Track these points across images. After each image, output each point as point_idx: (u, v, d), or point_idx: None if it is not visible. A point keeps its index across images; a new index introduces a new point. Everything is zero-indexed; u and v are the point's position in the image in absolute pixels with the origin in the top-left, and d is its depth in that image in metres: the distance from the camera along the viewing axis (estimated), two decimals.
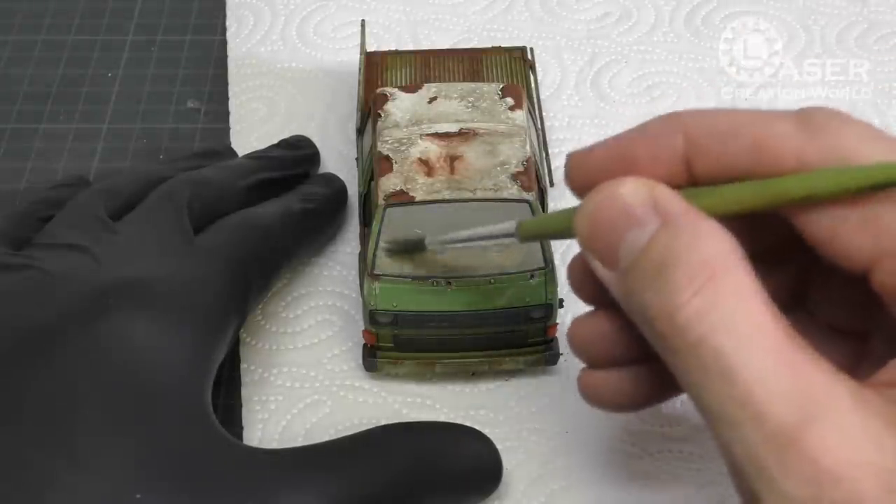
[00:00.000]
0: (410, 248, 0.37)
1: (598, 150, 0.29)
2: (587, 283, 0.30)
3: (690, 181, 0.28)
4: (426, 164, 0.38)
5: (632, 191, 0.27)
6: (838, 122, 0.26)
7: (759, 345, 0.24)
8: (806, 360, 0.24)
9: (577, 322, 0.31)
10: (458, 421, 0.37)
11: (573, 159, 0.30)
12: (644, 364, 0.30)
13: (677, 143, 0.28)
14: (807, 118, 0.26)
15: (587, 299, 0.31)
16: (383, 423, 0.35)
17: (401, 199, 0.37)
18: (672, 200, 0.26)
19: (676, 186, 0.27)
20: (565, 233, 0.29)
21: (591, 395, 0.31)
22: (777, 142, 0.26)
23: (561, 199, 0.46)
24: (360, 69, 0.45)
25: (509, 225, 0.33)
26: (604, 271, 0.27)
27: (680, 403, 0.39)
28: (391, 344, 0.39)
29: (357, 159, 0.44)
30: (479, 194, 0.37)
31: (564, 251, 0.43)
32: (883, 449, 0.23)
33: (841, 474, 0.23)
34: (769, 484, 0.23)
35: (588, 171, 0.29)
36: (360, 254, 0.42)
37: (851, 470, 0.23)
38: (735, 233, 0.25)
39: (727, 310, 0.24)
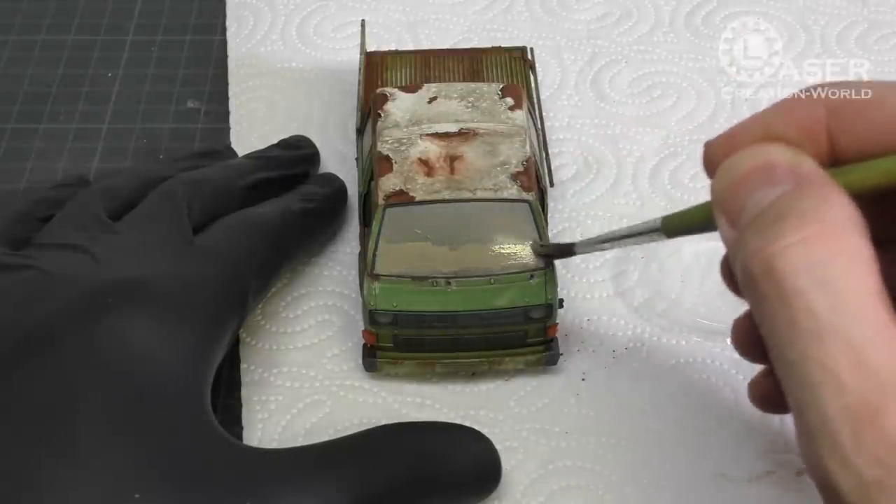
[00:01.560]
0: (560, 253, 0.37)
1: (738, 130, 0.29)
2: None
3: (832, 157, 0.27)
4: (426, 164, 0.38)
5: (776, 151, 0.26)
6: None
7: (856, 312, 0.23)
8: None
9: (736, 321, 0.32)
10: (458, 421, 0.37)
11: (710, 146, 0.29)
12: None
13: (819, 114, 0.27)
14: None
15: (736, 289, 0.31)
16: (383, 423, 0.35)
17: (401, 199, 0.37)
18: (813, 168, 0.26)
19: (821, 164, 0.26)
20: (712, 223, 0.28)
21: (757, 400, 0.32)
22: None
23: (561, 199, 0.46)
24: (360, 69, 0.45)
25: (654, 222, 0.32)
26: (727, 231, 0.27)
27: (679, 404, 0.39)
28: (391, 344, 0.39)
29: (357, 159, 0.44)
30: (479, 194, 0.37)
31: None
32: None
33: None
34: (840, 458, 0.23)
35: (729, 151, 0.28)
36: (360, 254, 0.42)
37: None
38: (873, 213, 0.25)
39: (832, 269, 0.23)
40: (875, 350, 0.23)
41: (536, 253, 0.38)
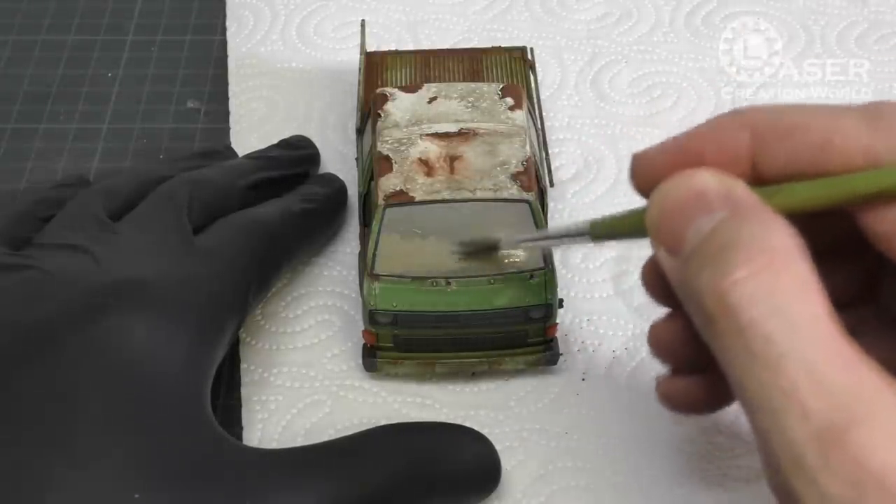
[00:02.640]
0: (485, 250, 0.37)
1: (664, 148, 0.29)
2: (660, 282, 0.30)
3: (756, 179, 0.27)
4: (426, 164, 0.38)
5: (707, 179, 0.27)
6: None
7: (811, 337, 0.24)
8: (857, 359, 0.24)
9: (655, 325, 0.32)
10: (458, 421, 0.37)
11: (638, 158, 0.30)
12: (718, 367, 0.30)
13: (744, 139, 0.27)
14: (875, 113, 0.26)
15: (659, 298, 0.31)
16: (383, 423, 0.35)
17: (401, 199, 0.37)
18: (745, 193, 0.26)
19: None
20: (639, 231, 0.29)
21: (669, 402, 0.32)
22: (845, 138, 0.26)
23: (561, 199, 0.46)
24: (360, 69, 0.45)
25: (583, 224, 0.32)
26: (667, 260, 0.27)
27: None
28: (391, 344, 0.39)
29: (357, 159, 0.44)
30: (479, 194, 0.37)
31: (564, 251, 0.43)
32: None
33: (886, 479, 0.22)
34: (809, 482, 0.23)
35: (654, 169, 0.29)
36: (360, 254, 0.42)
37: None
38: (802, 226, 0.25)
39: (784, 297, 0.24)
40: (834, 372, 0.23)
41: (461, 254, 0.37)
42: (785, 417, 0.23)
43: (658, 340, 0.32)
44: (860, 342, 0.24)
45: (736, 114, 0.28)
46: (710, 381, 0.30)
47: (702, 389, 0.31)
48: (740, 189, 0.26)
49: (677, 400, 0.32)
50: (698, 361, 0.30)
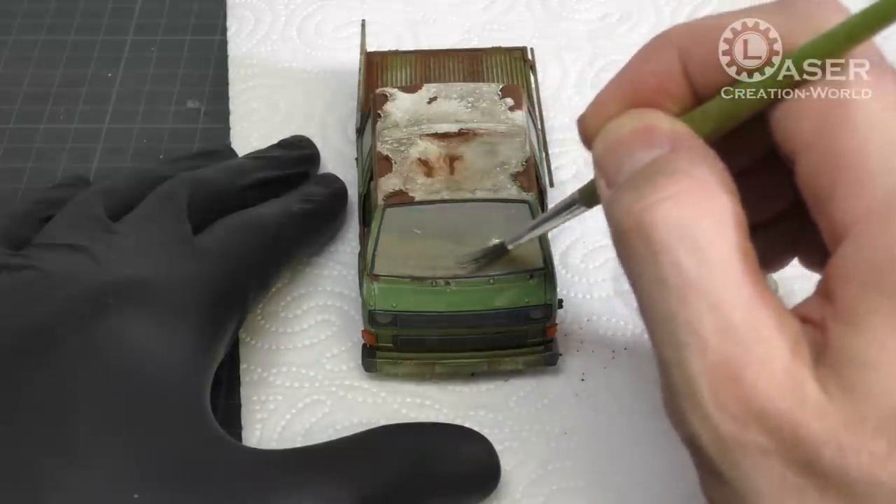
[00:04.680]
0: (495, 255, 0.37)
1: (604, 96, 0.29)
2: None
3: (696, 95, 0.28)
4: (426, 165, 0.38)
5: (656, 116, 0.27)
6: (815, 4, 0.26)
7: (720, 271, 0.24)
8: (760, 298, 0.24)
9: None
10: (458, 421, 0.37)
11: (585, 117, 0.30)
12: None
13: (671, 57, 0.28)
14: (786, 4, 0.27)
15: None
16: (383, 423, 0.36)
17: (400, 199, 0.37)
18: (690, 136, 0.27)
19: (684, 108, 0.28)
20: None
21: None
22: None
23: (561, 199, 0.46)
24: (360, 69, 0.45)
25: (573, 195, 0.33)
26: (604, 192, 0.27)
27: None
28: (391, 344, 0.39)
29: (357, 159, 0.44)
30: (479, 194, 0.37)
31: (564, 252, 0.43)
32: (804, 400, 0.23)
33: (766, 417, 0.23)
34: (702, 416, 0.24)
35: (602, 119, 0.29)
36: (359, 254, 0.42)
37: (776, 417, 0.23)
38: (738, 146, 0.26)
39: (698, 227, 0.24)
40: (736, 309, 0.24)
41: (463, 263, 0.37)
42: (685, 350, 0.24)
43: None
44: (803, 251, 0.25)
45: (659, 36, 0.28)
46: None
47: None
48: (686, 132, 0.27)
49: None
50: None
